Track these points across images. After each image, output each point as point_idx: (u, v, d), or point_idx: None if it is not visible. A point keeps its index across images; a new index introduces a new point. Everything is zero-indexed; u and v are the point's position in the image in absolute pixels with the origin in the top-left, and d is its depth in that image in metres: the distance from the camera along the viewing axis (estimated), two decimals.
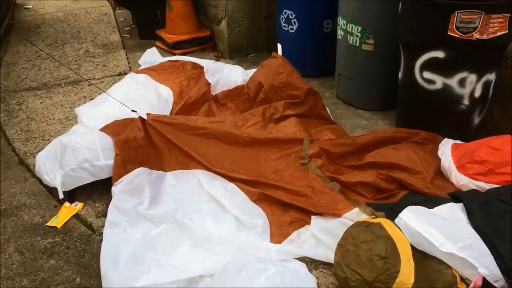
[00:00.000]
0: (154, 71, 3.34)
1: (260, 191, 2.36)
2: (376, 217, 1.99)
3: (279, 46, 3.16)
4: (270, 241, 2.13)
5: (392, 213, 2.02)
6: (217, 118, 2.89)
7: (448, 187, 2.31)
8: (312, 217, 2.19)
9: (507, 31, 2.30)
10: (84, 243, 2.19)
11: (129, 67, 4.04)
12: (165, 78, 3.26)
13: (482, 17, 2.23)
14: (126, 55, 4.30)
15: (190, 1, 4.34)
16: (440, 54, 2.42)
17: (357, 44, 3.01)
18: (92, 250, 2.14)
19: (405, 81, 2.69)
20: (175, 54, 4.12)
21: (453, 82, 2.47)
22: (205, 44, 4.41)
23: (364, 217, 2.05)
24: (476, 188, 2.21)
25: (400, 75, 2.75)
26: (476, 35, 2.28)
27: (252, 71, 3.37)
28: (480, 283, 1.72)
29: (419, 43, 2.48)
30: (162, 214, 2.23)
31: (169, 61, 3.48)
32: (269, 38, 4.17)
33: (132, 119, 2.65)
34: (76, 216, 2.35)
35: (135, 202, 2.28)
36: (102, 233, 2.16)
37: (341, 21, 3.09)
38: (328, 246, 2.03)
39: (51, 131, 3.07)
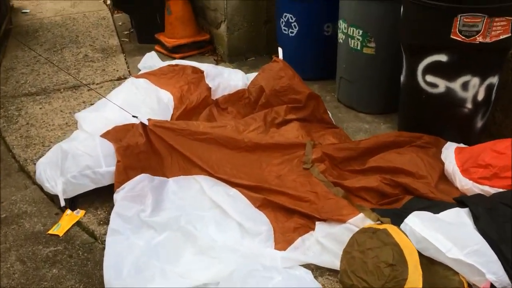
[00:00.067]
0: (154, 76, 3.33)
1: (263, 196, 2.35)
2: (382, 223, 1.98)
3: (280, 50, 3.15)
4: (275, 248, 2.11)
5: (397, 218, 2.01)
6: (218, 123, 2.87)
7: (453, 191, 2.30)
8: (317, 223, 2.18)
9: (510, 34, 2.29)
10: (87, 252, 2.16)
11: (129, 71, 4.02)
12: (165, 83, 3.24)
13: (485, 20, 2.22)
14: (125, 59, 4.28)
15: (189, 4, 4.32)
16: (443, 57, 2.41)
17: (359, 48, 3.00)
18: (95, 259, 2.12)
19: (407, 85, 2.68)
20: (174, 58, 4.10)
21: (456, 85, 2.46)
22: (205, 48, 4.39)
23: (369, 222, 2.03)
24: (481, 193, 2.20)
25: (402, 78, 2.74)
26: (479, 39, 2.27)
27: (252, 75, 3.37)
28: None
29: (421, 46, 2.47)
30: (165, 221, 2.21)
31: (169, 65, 3.46)
32: (269, 41, 4.16)
33: (133, 125, 2.63)
34: (78, 223, 2.33)
35: (138, 209, 2.26)
36: (105, 241, 2.14)
37: (342, 25, 3.08)
38: (333, 252, 2.02)
39: (51, 137, 3.05)
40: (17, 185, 2.62)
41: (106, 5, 5.87)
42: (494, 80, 2.48)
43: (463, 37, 2.28)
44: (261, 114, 2.92)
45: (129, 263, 2.01)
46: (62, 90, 3.70)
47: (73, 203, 2.43)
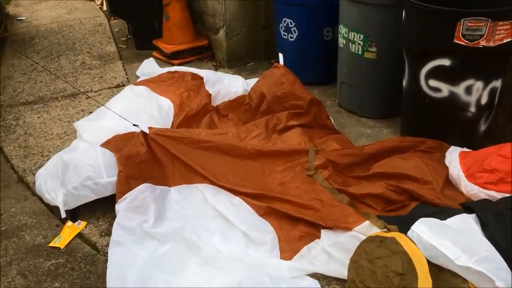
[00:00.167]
0: (153, 83, 3.30)
1: (267, 205, 2.32)
2: (389, 230, 1.96)
3: (280, 55, 3.13)
4: (280, 257, 2.08)
5: (404, 225, 1.99)
6: (220, 130, 2.84)
7: (458, 197, 2.28)
8: (322, 231, 2.15)
9: None
10: (89, 264, 2.13)
11: (127, 78, 3.99)
12: (165, 90, 3.21)
13: (488, 24, 2.21)
14: (123, 66, 4.25)
15: (187, 10, 4.30)
16: (446, 62, 2.39)
17: (360, 52, 2.98)
18: (98, 271, 2.08)
19: (410, 89, 2.66)
20: (173, 64, 4.08)
21: (459, 89, 2.44)
22: (203, 54, 4.37)
23: (375, 230, 2.01)
24: (487, 197, 2.18)
25: (404, 83, 2.73)
26: (483, 43, 2.25)
27: (252, 81, 3.35)
28: None
29: (424, 51, 2.46)
30: (168, 232, 2.18)
31: (168, 72, 3.43)
32: (268, 46, 4.14)
33: (133, 133, 2.60)
34: (80, 235, 2.29)
35: (140, 220, 2.23)
36: (107, 252, 2.12)
37: (342, 29, 3.06)
38: (340, 261, 1.99)
39: (50, 146, 3.01)
40: (16, 197, 2.58)
41: (103, 11, 5.84)
42: (497, 83, 2.47)
43: (466, 41, 2.27)
44: (263, 120, 2.90)
45: (133, 275, 1.98)
46: (60, 98, 3.67)
47: (74, 214, 2.40)
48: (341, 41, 3.12)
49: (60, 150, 2.79)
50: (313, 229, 2.18)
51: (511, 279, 1.72)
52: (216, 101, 3.19)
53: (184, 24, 4.28)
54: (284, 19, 3.50)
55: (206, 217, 2.30)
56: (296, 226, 2.22)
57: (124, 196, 2.30)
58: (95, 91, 3.76)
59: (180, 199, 2.40)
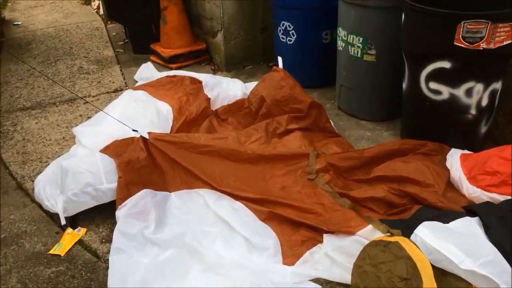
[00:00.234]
0: (151, 88, 3.28)
1: (269, 209, 2.30)
2: (392, 234, 1.94)
3: (279, 59, 3.11)
4: (283, 263, 2.07)
5: (406, 229, 1.98)
6: (220, 135, 2.83)
7: (460, 199, 2.27)
8: (324, 235, 2.14)
9: None
10: (90, 271, 2.11)
11: (125, 83, 3.96)
12: (164, 95, 3.19)
13: (488, 26, 2.20)
14: (121, 70, 4.23)
15: (185, 14, 4.28)
16: (446, 64, 2.39)
17: (359, 55, 2.98)
18: (99, 279, 2.06)
19: (410, 92, 2.66)
20: (171, 68, 4.07)
21: (460, 92, 2.44)
22: (201, 57, 4.35)
23: (378, 234, 2.00)
24: (490, 200, 2.17)
25: (404, 85, 2.72)
26: (483, 45, 2.25)
27: (251, 84, 3.33)
28: None
29: (424, 53, 2.45)
30: (169, 238, 2.16)
31: (166, 76, 3.41)
32: (266, 49, 4.13)
33: (133, 139, 2.57)
34: (80, 242, 2.27)
35: (141, 226, 2.21)
36: (108, 260, 2.09)
37: (341, 32, 3.06)
38: (343, 266, 1.98)
39: (49, 152, 2.99)
40: (15, 204, 2.55)
41: (99, 15, 5.82)
42: (497, 85, 2.47)
43: (466, 44, 2.26)
44: (263, 124, 2.88)
45: (134, 282, 1.97)
46: (58, 103, 3.64)
47: (74, 221, 2.37)
48: (340, 44, 3.12)
49: (59, 156, 2.77)
50: (315, 234, 2.17)
51: None
52: (215, 105, 3.17)
53: (182, 28, 4.26)
54: (283, 22, 3.49)
55: (207, 222, 2.28)
56: (298, 230, 2.21)
57: (124, 203, 2.28)
58: (93, 96, 3.74)
59: (181, 205, 2.38)
